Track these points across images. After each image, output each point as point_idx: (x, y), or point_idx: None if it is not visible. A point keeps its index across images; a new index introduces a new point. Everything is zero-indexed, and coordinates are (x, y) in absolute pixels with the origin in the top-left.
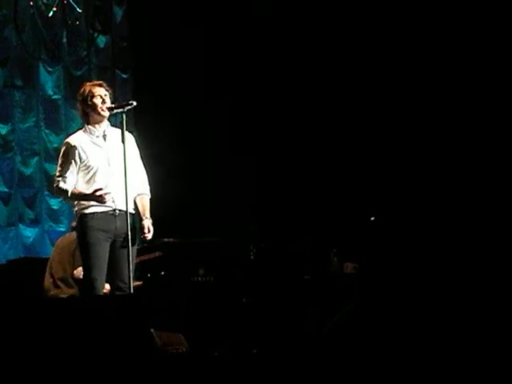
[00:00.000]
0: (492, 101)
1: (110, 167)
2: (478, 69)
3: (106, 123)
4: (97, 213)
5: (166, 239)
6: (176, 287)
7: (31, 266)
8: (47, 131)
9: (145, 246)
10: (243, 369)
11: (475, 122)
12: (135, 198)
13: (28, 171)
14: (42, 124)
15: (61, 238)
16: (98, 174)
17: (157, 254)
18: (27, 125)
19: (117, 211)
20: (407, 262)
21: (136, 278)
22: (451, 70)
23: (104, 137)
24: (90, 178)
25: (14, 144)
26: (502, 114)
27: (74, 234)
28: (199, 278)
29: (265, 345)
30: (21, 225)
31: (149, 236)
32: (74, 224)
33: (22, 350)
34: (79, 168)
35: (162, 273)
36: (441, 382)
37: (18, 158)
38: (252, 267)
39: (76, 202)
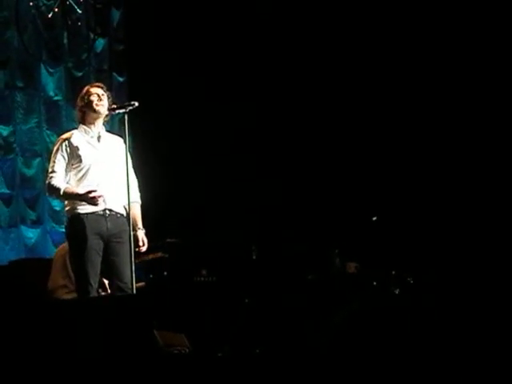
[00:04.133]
0: (492, 101)
1: (102, 167)
2: (477, 69)
3: (101, 126)
4: (88, 213)
5: (168, 240)
6: (179, 288)
7: (33, 267)
8: (49, 132)
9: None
10: (246, 369)
11: (475, 122)
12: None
13: (30, 172)
14: (44, 125)
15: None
16: (89, 172)
17: (159, 254)
18: (29, 126)
19: (107, 211)
20: (410, 261)
21: (137, 279)
22: (450, 70)
23: (98, 138)
24: (82, 177)
25: (15, 145)
26: (501, 114)
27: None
28: (202, 279)
29: (268, 345)
30: (23, 226)
31: (143, 249)
32: None
33: (23, 351)
34: (72, 165)
35: (165, 273)
36: (441, 381)
37: (20, 160)
38: (254, 267)
39: (67, 202)
